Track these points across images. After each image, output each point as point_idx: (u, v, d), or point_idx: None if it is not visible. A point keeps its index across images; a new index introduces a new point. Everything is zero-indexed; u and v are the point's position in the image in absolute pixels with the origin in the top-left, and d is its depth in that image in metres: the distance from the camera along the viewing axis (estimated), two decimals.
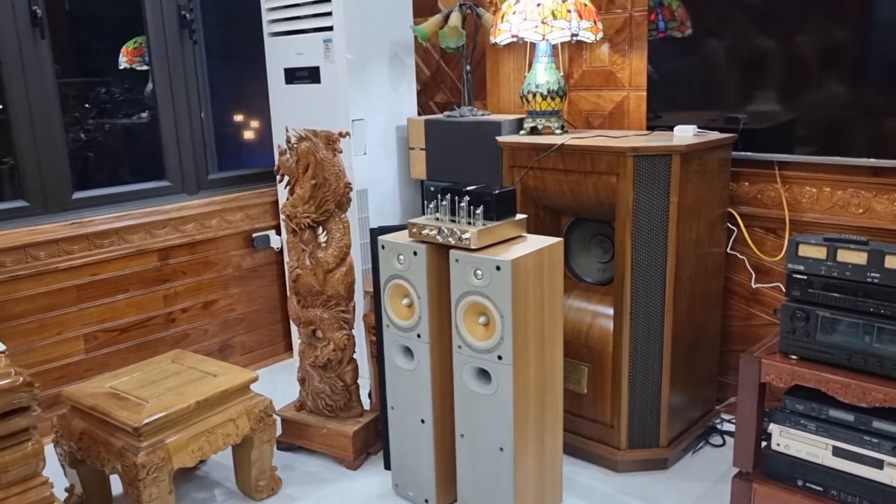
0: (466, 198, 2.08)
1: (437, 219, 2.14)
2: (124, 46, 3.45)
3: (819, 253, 1.98)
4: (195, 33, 3.26)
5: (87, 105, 3.29)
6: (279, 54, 3.18)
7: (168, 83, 3.18)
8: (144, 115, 3.51)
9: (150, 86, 3.34)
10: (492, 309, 1.99)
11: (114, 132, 3.47)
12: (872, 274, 1.90)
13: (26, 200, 2.79)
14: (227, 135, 3.81)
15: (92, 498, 2.33)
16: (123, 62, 3.49)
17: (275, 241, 3.47)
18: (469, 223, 2.07)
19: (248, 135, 3.86)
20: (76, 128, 3.21)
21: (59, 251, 2.77)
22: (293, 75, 3.14)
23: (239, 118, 3.82)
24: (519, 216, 2.16)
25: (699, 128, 2.51)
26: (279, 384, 3.24)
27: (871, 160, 2.29)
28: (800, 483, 2.07)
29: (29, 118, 2.76)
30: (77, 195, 2.92)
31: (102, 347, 2.95)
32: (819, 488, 2.04)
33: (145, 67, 3.38)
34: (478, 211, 2.07)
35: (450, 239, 2.05)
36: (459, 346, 2.09)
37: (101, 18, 3.36)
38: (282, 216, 2.55)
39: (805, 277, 2.02)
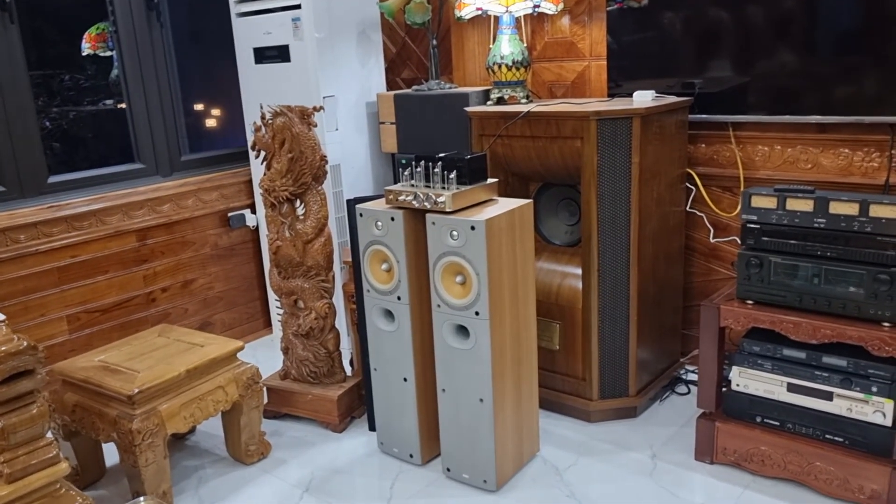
0: (440, 164, 2.18)
1: (413, 185, 2.24)
2: (87, 33, 3.45)
3: (770, 203, 2.13)
4: (162, 15, 3.29)
5: (51, 93, 3.30)
6: (247, 34, 3.22)
7: (138, 66, 3.21)
8: (110, 101, 3.53)
9: (115, 71, 3.36)
10: (468, 268, 2.10)
11: (79, 119, 3.48)
12: (818, 220, 2.05)
13: (2, 185, 2.82)
14: (198, 116, 3.84)
15: (87, 469, 2.40)
16: (87, 48, 3.49)
17: (250, 220, 3.53)
18: (443, 188, 2.17)
19: (219, 116, 3.90)
20: (40, 116, 3.22)
21: (39, 234, 2.81)
22: (262, 55, 3.19)
23: (209, 99, 3.85)
24: (490, 180, 2.27)
25: (657, 93, 2.64)
26: (261, 358, 3.32)
27: (817, 117, 2.44)
28: (758, 419, 2.23)
29: (2, 103, 2.78)
30: (53, 179, 2.95)
31: (85, 328, 2.99)
32: (776, 423, 2.20)
33: (109, 53, 3.39)
34: (451, 176, 2.17)
35: (426, 203, 2.15)
36: (438, 305, 2.20)
37: (57, 7, 3.37)
38: (260, 190, 2.62)
39: (758, 226, 2.16)
